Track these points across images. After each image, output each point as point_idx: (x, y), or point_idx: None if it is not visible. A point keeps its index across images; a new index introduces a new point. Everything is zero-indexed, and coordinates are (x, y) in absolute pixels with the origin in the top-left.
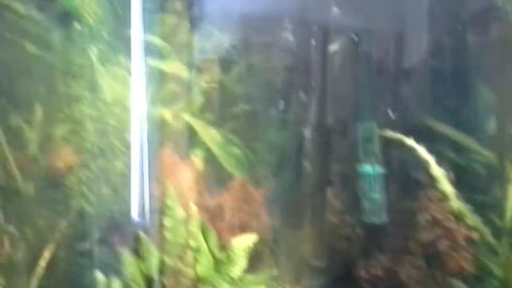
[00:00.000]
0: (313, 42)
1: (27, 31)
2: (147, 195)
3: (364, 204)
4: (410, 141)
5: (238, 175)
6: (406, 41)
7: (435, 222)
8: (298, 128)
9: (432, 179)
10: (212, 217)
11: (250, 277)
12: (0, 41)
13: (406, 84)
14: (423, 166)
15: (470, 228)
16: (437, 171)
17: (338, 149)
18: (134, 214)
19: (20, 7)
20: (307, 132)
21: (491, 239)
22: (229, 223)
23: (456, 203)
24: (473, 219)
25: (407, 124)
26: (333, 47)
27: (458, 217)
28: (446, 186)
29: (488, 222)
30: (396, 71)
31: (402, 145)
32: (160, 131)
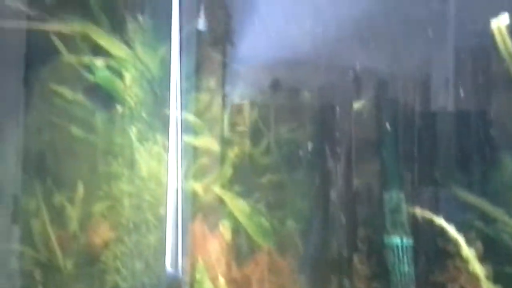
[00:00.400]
0: (337, 105)
1: (74, 115)
2: (180, 269)
3: (393, 276)
4: (440, 220)
5: (265, 245)
6: (432, 109)
7: None
8: (324, 195)
9: (462, 259)
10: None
11: None
12: (49, 126)
13: (432, 151)
14: (453, 244)
15: None
16: (467, 251)
17: (365, 216)
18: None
19: (68, 93)
20: (334, 199)
21: None
22: None
23: (486, 284)
24: None
25: (434, 192)
26: (357, 105)
27: None
28: (476, 266)
29: None
30: (422, 137)
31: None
32: (192, 204)
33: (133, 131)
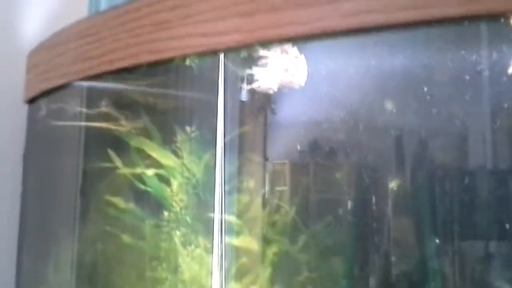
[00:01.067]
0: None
1: (125, 223)
2: None
3: None
4: None
5: None
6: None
7: None
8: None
9: None
10: None
11: None
12: (103, 235)
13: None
14: None
15: None
16: None
17: None
18: None
19: (121, 203)
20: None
21: None
22: None
23: None
24: None
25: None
26: (392, 184)
27: None
28: None
29: None
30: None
31: None
32: None
33: (177, 235)
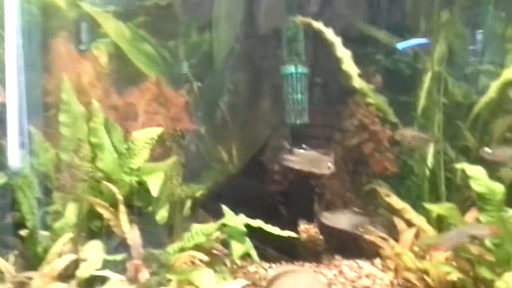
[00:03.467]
0: None
1: None
2: (38, 88)
3: (287, 105)
4: (318, 24)
5: (152, 75)
6: None
7: (361, 126)
8: (227, 29)
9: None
10: (122, 116)
11: (150, 166)
12: None
13: None
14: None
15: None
16: (342, 52)
17: (266, 49)
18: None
19: None
20: (238, 34)
21: None
22: (144, 126)
23: (373, 97)
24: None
25: (337, 27)
26: None
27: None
28: (350, 66)
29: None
30: None
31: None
32: (52, 19)
33: None
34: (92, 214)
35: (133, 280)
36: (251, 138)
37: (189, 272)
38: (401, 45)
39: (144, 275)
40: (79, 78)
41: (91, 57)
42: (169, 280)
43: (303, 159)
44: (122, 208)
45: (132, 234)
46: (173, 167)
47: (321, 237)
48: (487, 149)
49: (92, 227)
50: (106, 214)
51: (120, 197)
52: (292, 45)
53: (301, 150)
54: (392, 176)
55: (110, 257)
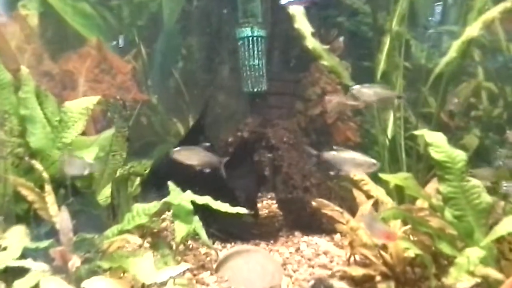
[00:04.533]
0: None
1: None
2: None
3: (243, 72)
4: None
5: (92, 39)
6: None
7: (324, 94)
8: None
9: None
10: (58, 84)
11: (84, 140)
12: None
13: None
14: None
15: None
16: (294, 9)
17: (221, 10)
18: None
19: None
20: None
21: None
22: (85, 94)
23: (327, 58)
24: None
25: None
26: None
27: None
28: (302, 24)
29: None
30: None
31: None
32: None
33: None
34: (19, 196)
35: (60, 269)
36: (209, 108)
37: (125, 258)
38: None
39: (74, 263)
40: (4, 42)
41: (19, 17)
42: (101, 268)
43: None
44: (48, 188)
45: (61, 217)
46: (114, 141)
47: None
48: None
49: (18, 211)
50: (30, 195)
51: (46, 175)
52: (247, 5)
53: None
54: (354, 146)
55: (33, 245)
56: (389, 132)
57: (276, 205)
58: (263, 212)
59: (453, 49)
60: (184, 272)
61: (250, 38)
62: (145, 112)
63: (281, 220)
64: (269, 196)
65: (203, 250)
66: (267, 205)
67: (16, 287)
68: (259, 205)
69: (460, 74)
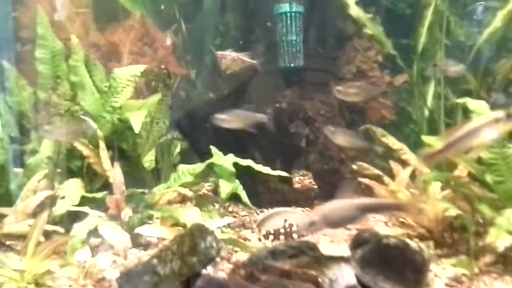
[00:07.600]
0: None
1: None
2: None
3: (280, 48)
4: None
5: (136, 12)
6: None
7: (360, 73)
8: None
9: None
10: (104, 55)
11: (132, 103)
12: None
13: None
14: None
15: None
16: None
17: None
18: None
19: None
20: None
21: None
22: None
23: (370, 27)
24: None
25: None
26: None
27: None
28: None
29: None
30: None
31: None
32: None
33: None
34: (72, 154)
35: (114, 217)
36: (243, 84)
37: (174, 209)
38: None
39: (127, 212)
40: (56, 11)
41: None
42: (153, 217)
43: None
44: (102, 145)
45: (114, 172)
46: (158, 108)
47: (315, 186)
48: None
49: (72, 167)
50: (85, 150)
51: (100, 133)
52: None
53: None
54: (390, 124)
55: (90, 195)
56: (429, 105)
57: (309, 181)
58: (297, 186)
59: (498, 19)
60: (229, 225)
61: (288, 14)
62: (183, 86)
63: (316, 192)
64: (300, 173)
65: (242, 213)
66: (300, 180)
67: (76, 228)
68: None
69: (501, 50)
